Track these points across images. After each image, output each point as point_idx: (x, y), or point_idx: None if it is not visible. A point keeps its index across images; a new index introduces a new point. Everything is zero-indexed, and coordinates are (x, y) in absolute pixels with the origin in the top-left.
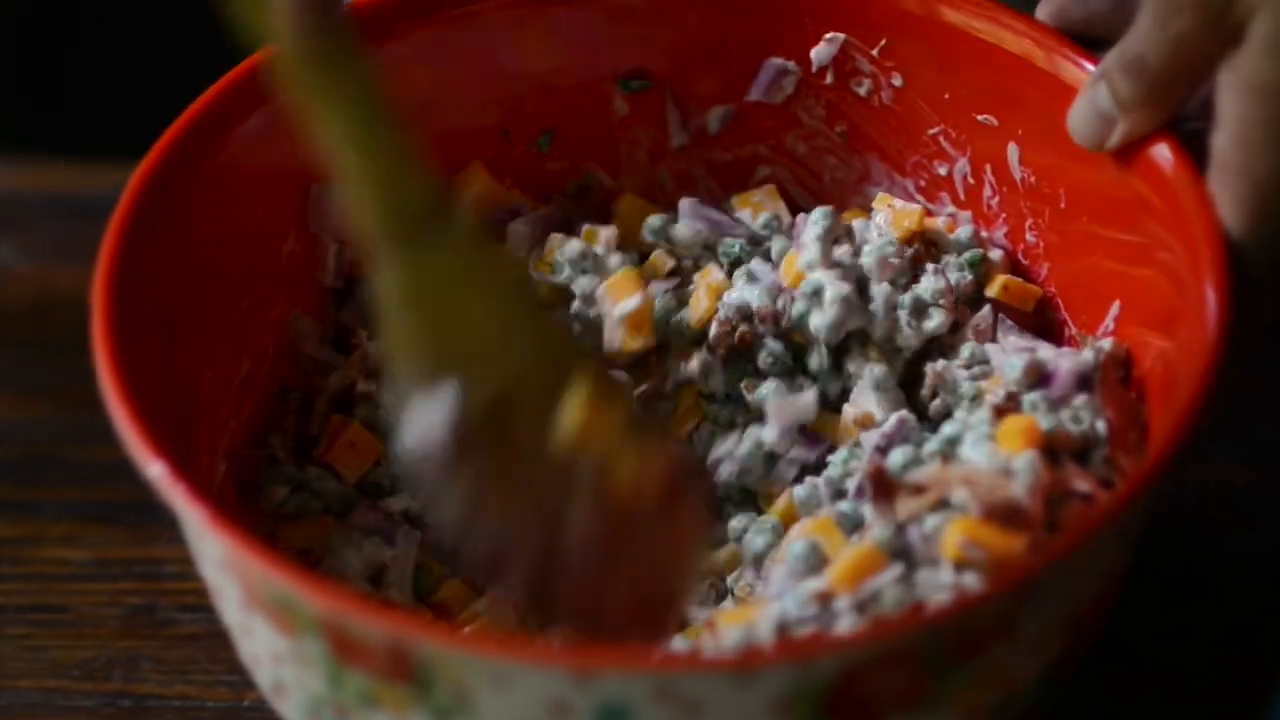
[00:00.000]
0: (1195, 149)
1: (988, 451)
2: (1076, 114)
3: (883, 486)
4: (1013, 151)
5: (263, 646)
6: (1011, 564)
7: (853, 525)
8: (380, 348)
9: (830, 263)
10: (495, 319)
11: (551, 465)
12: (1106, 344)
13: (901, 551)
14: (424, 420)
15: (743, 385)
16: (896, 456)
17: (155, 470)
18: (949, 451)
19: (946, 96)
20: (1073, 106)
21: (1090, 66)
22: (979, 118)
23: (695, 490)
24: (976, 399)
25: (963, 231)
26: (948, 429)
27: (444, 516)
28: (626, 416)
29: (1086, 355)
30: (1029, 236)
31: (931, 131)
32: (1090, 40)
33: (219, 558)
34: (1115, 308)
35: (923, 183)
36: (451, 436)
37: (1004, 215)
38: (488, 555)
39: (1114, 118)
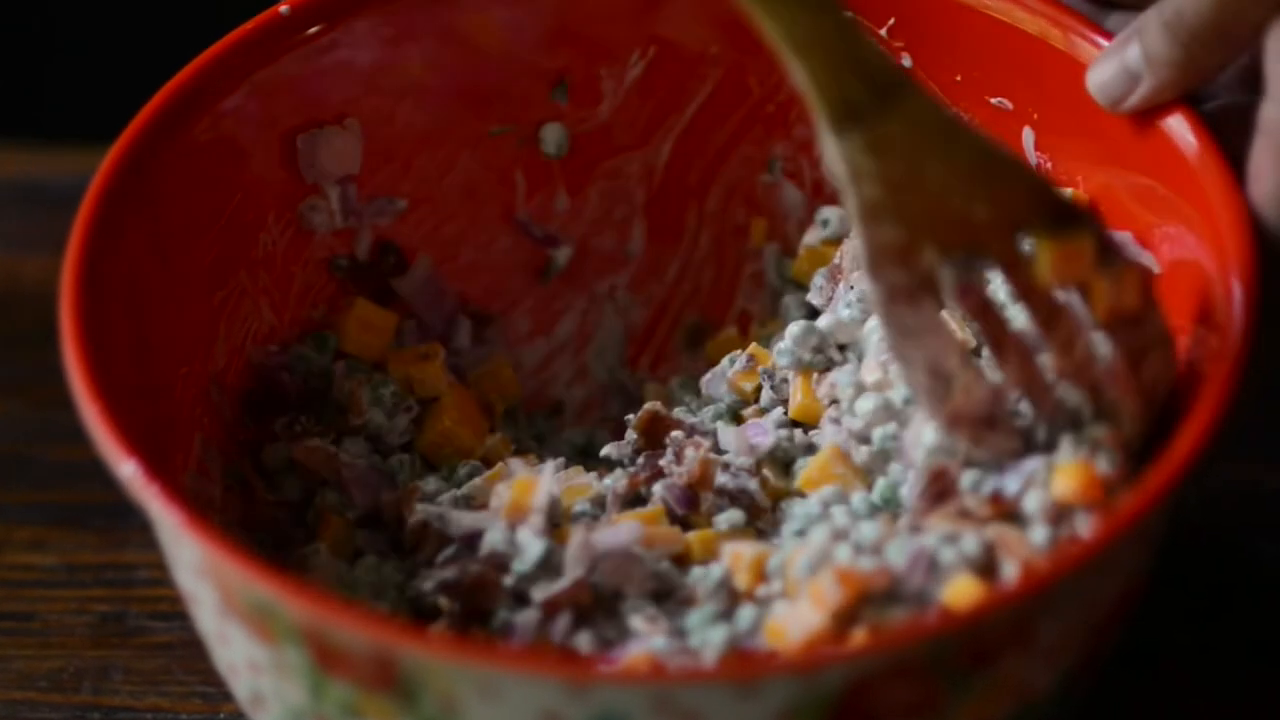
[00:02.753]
0: (1235, 121)
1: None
2: (1099, 69)
3: (941, 490)
4: (1028, 136)
5: (240, 656)
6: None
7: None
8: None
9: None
10: (958, 179)
11: (1040, 301)
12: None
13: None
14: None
15: None
16: (969, 476)
17: (127, 470)
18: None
19: (958, 78)
20: (1096, 61)
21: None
22: (992, 100)
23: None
24: None
25: None
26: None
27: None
28: (1093, 243)
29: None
30: None
31: None
32: (1126, 5)
33: (194, 562)
34: None
35: None
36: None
37: None
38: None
39: (1139, 75)
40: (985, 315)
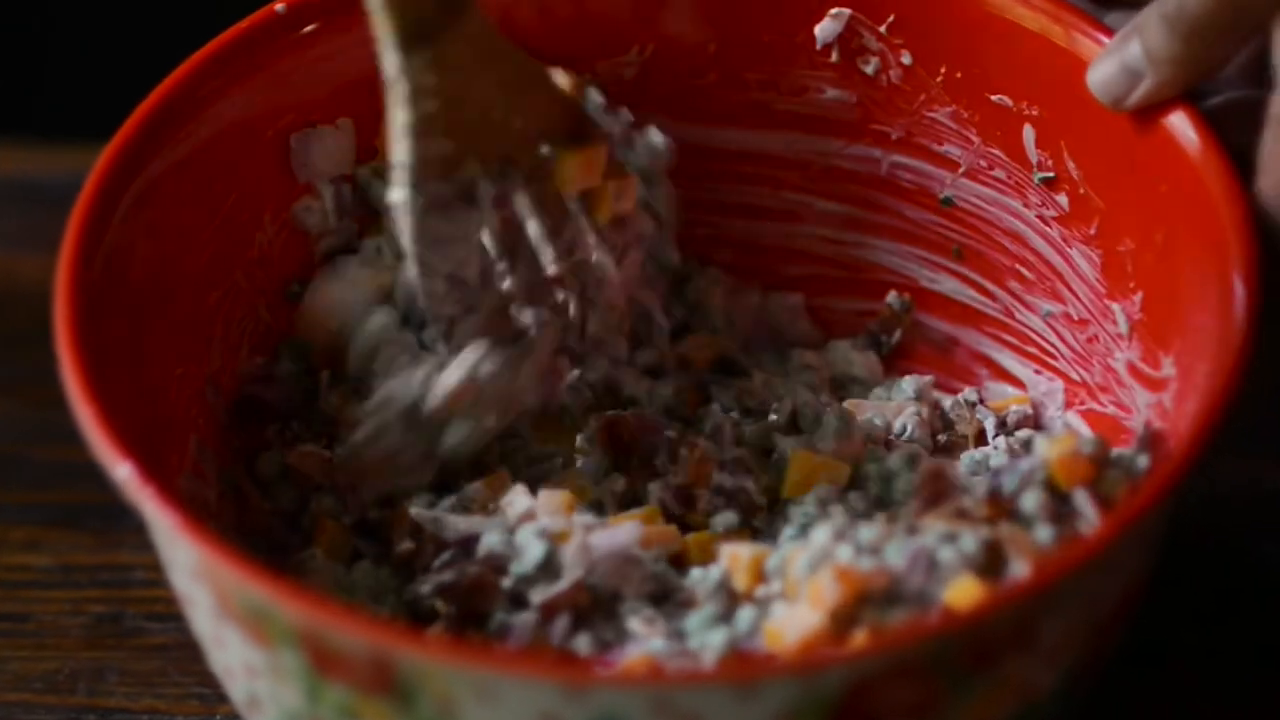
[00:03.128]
0: (1241, 116)
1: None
2: (1100, 68)
3: (939, 490)
4: (1028, 133)
5: (236, 658)
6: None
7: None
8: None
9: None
10: (501, 92)
11: (553, 206)
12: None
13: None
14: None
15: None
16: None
17: (123, 471)
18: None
19: (959, 75)
20: (1096, 60)
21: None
22: (992, 98)
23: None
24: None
25: None
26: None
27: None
28: (605, 154)
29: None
30: (1045, 226)
31: (942, 112)
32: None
33: (190, 564)
34: (1139, 297)
35: (930, 166)
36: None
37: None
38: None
39: (1140, 72)
40: (509, 225)
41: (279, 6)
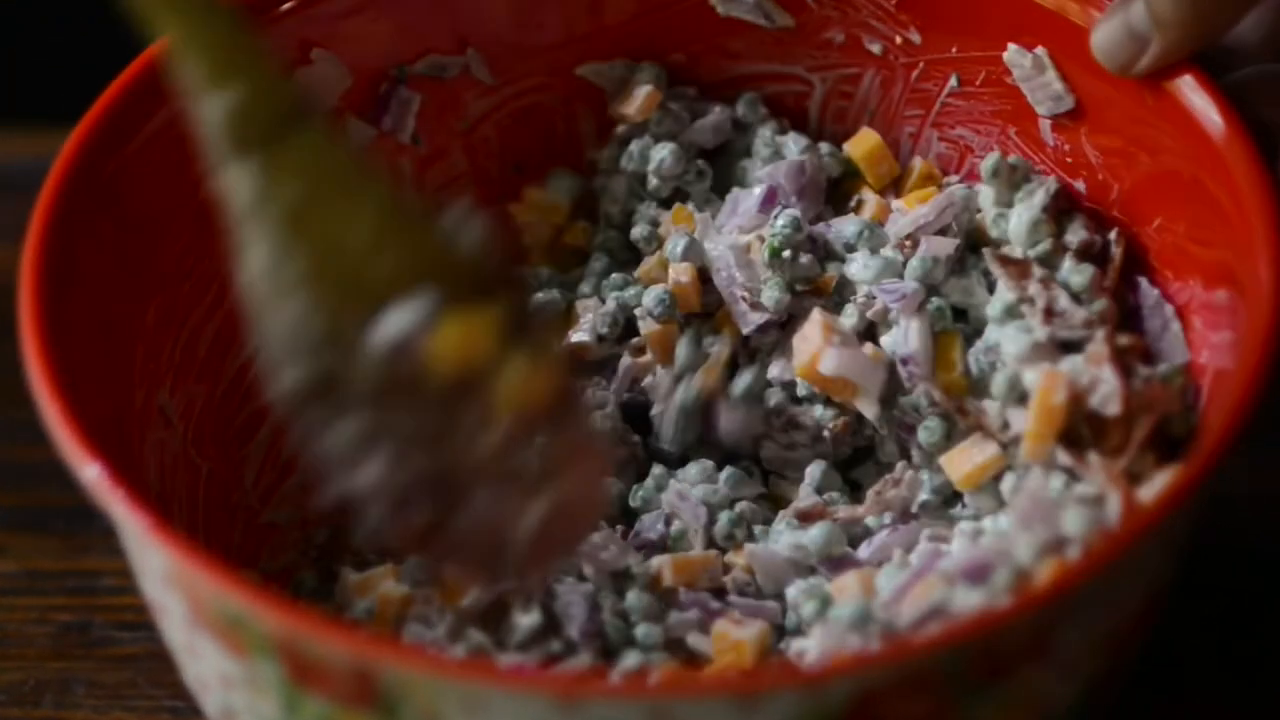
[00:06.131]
0: (1268, 89)
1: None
2: (1103, 33)
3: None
4: (1045, 119)
5: (210, 669)
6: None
7: None
8: (239, 272)
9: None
10: (362, 226)
11: (433, 390)
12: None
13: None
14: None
15: None
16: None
17: (91, 472)
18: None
19: (973, 55)
20: (1098, 24)
21: None
22: (1008, 80)
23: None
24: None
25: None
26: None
27: (326, 458)
28: (507, 324)
29: None
30: None
31: (952, 93)
32: None
33: (162, 570)
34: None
35: (944, 148)
36: (321, 359)
37: None
38: (375, 497)
39: (1147, 37)
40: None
41: None
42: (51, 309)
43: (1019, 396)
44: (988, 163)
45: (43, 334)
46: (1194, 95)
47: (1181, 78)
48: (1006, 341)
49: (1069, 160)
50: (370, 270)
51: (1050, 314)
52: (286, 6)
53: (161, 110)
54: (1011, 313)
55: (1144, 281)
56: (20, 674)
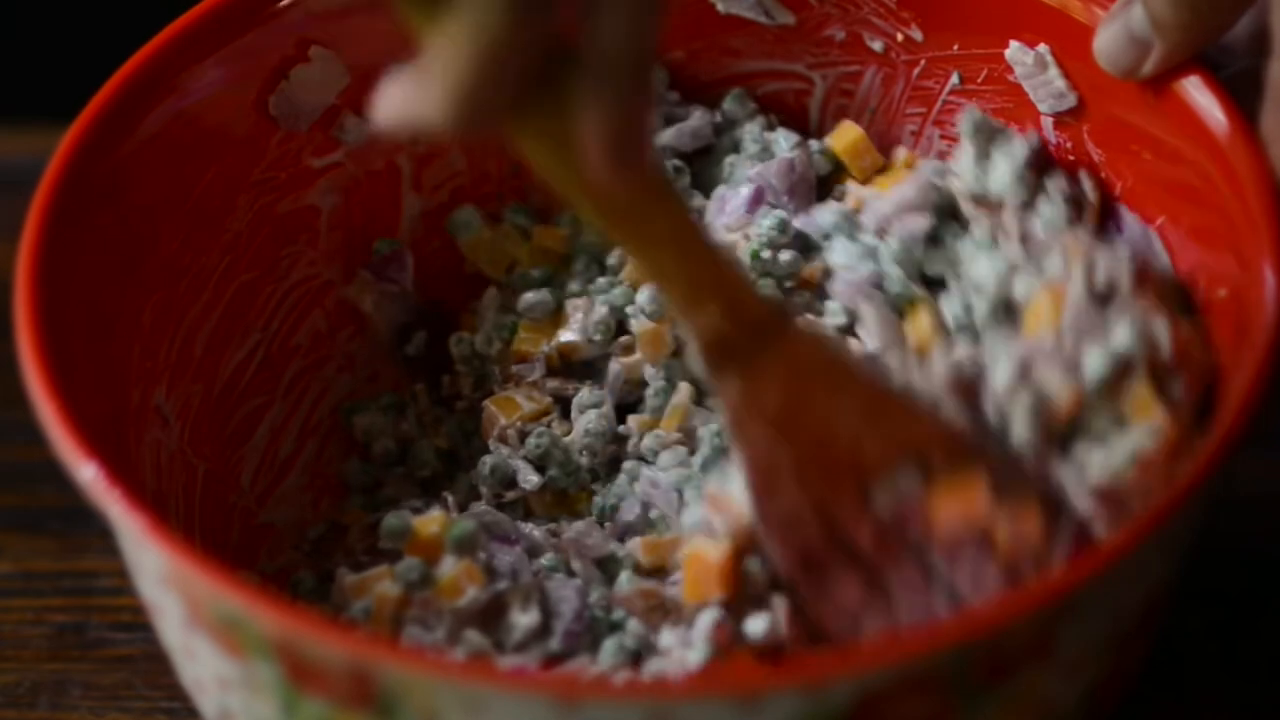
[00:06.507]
0: (1249, 87)
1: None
2: (1105, 38)
3: None
4: (1047, 117)
5: (207, 670)
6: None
7: None
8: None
9: None
10: (845, 413)
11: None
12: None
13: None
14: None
15: None
16: None
17: (87, 473)
18: None
19: (975, 53)
20: (1100, 30)
21: None
22: (1010, 78)
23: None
24: None
25: None
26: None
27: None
28: (989, 483)
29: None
30: None
31: (954, 90)
32: None
33: (158, 570)
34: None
35: (945, 146)
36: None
37: None
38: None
39: (1149, 42)
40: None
41: None
42: (47, 308)
43: (1006, 311)
44: (967, 120)
45: (38, 333)
46: (1197, 93)
47: (1185, 76)
48: (984, 271)
49: (1071, 158)
50: (858, 455)
51: (1026, 240)
52: (285, 3)
53: (158, 108)
54: (987, 247)
55: (1123, 209)
56: (16, 675)
